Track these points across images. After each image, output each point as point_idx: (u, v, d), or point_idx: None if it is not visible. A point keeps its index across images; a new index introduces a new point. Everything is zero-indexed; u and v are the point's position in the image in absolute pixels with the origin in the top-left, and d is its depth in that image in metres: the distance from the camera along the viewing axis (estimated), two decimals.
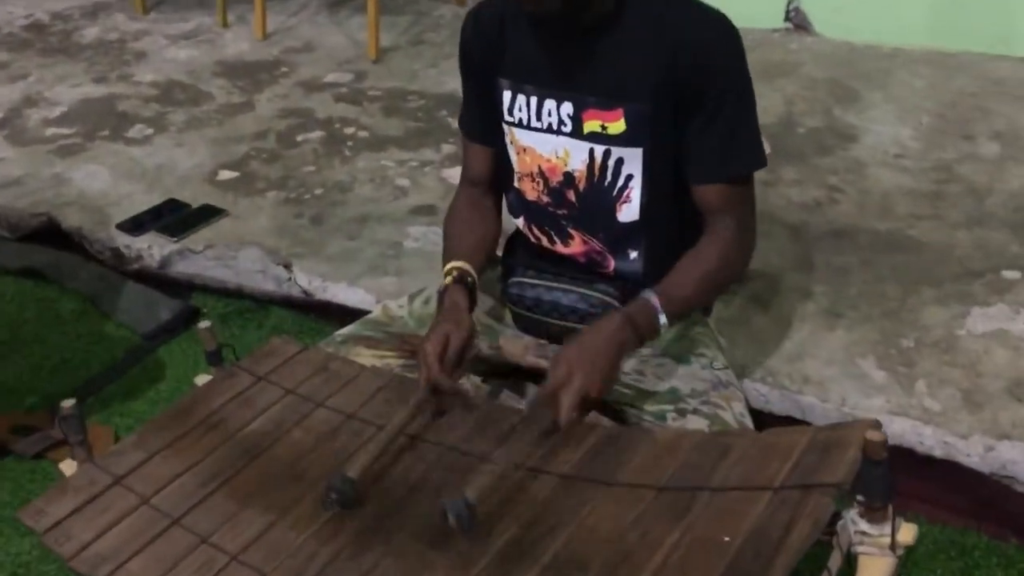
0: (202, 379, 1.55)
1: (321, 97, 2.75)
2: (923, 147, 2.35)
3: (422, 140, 2.50)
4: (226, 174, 2.35)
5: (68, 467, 1.38)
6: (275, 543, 1.21)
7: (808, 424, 1.64)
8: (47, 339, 1.99)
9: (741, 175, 1.35)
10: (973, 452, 1.48)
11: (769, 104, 2.46)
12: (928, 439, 1.52)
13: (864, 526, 1.02)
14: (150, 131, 2.57)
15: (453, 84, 2.81)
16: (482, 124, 1.50)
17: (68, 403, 1.35)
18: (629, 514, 1.12)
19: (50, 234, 2.23)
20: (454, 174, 2.33)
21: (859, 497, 1.01)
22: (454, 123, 2.59)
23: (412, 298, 1.59)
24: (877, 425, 1.04)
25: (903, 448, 1.52)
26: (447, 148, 2.45)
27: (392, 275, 1.96)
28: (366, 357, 1.52)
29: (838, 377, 1.62)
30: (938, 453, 1.51)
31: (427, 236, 2.09)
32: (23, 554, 1.50)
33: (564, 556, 1.09)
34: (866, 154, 2.33)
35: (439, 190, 2.27)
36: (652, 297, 1.30)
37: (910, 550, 1.21)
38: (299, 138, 2.52)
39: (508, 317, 1.55)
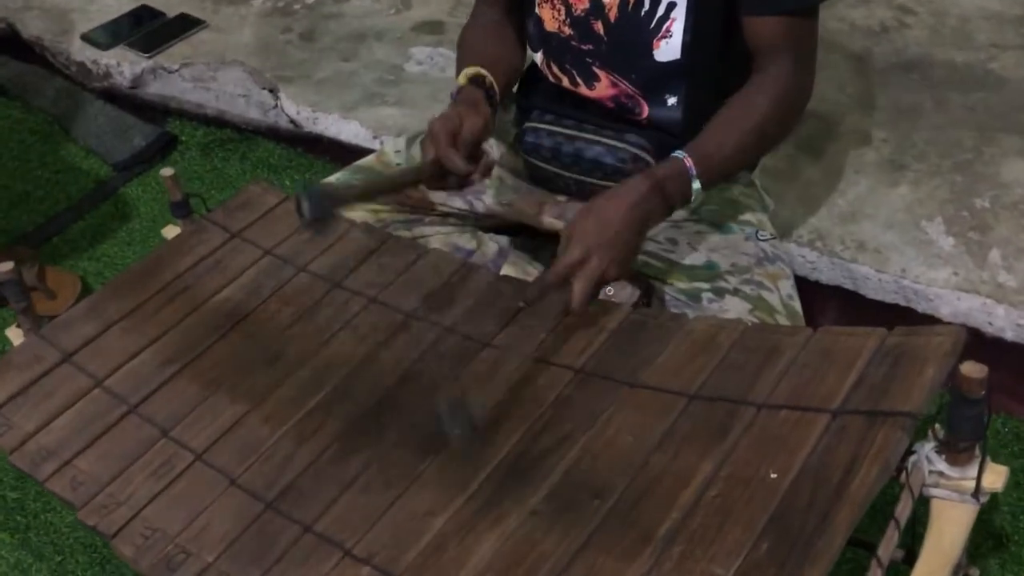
0: (171, 231, 1.36)
1: None
2: None
3: None
4: None
5: (15, 335, 1.22)
6: (247, 439, 1.05)
7: (858, 296, 1.45)
8: (7, 167, 1.79)
9: (805, 5, 1.09)
10: None
11: None
12: (999, 319, 1.33)
13: (943, 466, 0.85)
14: None
15: None
16: None
17: (5, 266, 1.16)
18: (655, 427, 0.95)
19: (10, 44, 1.97)
20: None
21: (939, 430, 0.84)
22: None
23: (410, 141, 1.36)
24: (960, 337, 0.86)
25: (968, 327, 1.33)
26: None
27: (392, 105, 1.72)
28: (357, 211, 1.32)
29: (898, 244, 1.42)
30: (1009, 336, 1.33)
31: (433, 59, 1.82)
32: None
33: (576, 477, 0.93)
34: None
35: (447, 3, 1.97)
36: (685, 158, 1.07)
37: None
38: None
39: (523, 168, 1.33)
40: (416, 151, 1.35)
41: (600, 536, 0.86)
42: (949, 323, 1.27)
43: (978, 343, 1.33)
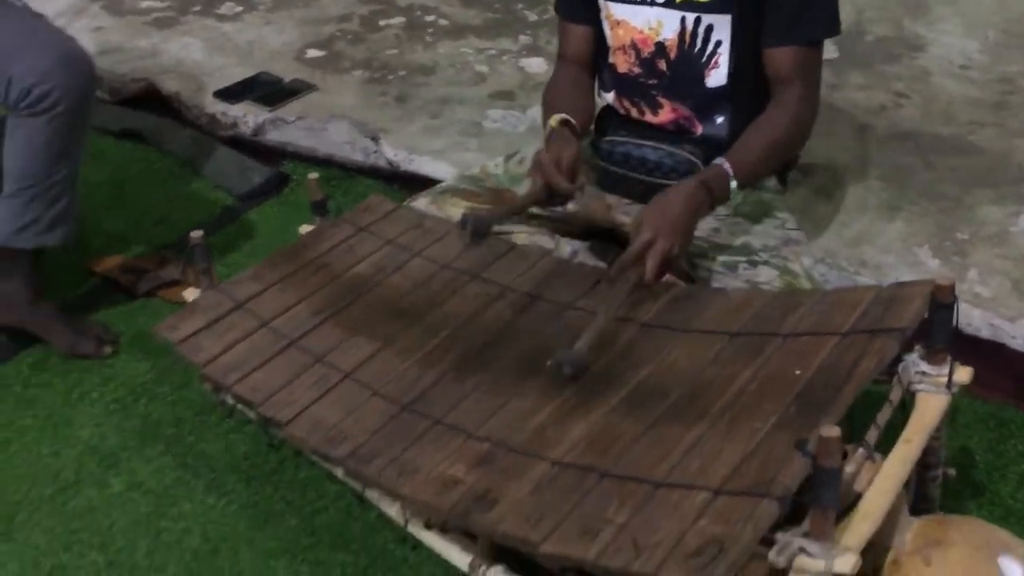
0: (305, 229, 1.69)
1: None
2: (989, 60, 2.40)
3: (500, 31, 2.58)
4: (313, 52, 2.46)
5: (190, 294, 1.54)
6: (383, 366, 1.35)
7: None
8: (148, 196, 2.13)
9: (813, 39, 1.45)
10: (1019, 335, 1.59)
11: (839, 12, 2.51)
12: (976, 320, 1.63)
13: (924, 367, 1.14)
14: (239, 8, 2.67)
15: None
16: (579, 3, 1.59)
17: (196, 233, 1.50)
18: (705, 355, 1.24)
19: (148, 100, 2.36)
20: (531, 63, 2.43)
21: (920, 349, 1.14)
22: (531, 16, 2.68)
23: (508, 158, 1.70)
24: (934, 285, 1.16)
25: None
26: (524, 39, 2.53)
27: (473, 151, 2.07)
28: (461, 207, 1.65)
29: (894, 263, 1.73)
30: (985, 334, 1.62)
31: (506, 119, 2.19)
32: (140, 376, 1.66)
33: (645, 387, 1.22)
34: (933, 64, 2.38)
35: (517, 78, 2.36)
36: (724, 163, 1.40)
37: (951, 418, 1.33)
38: (381, 23, 2.61)
39: (597, 179, 1.65)
40: (512, 164, 1.70)
41: (666, 417, 1.15)
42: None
43: (959, 340, 1.62)
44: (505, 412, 1.24)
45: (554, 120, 1.55)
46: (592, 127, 1.69)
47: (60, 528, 1.38)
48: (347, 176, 2.14)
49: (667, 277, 1.49)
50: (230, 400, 1.53)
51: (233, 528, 1.38)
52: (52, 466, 1.48)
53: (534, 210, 1.64)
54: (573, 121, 1.55)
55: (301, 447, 1.32)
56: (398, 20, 2.63)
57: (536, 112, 2.22)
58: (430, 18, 2.64)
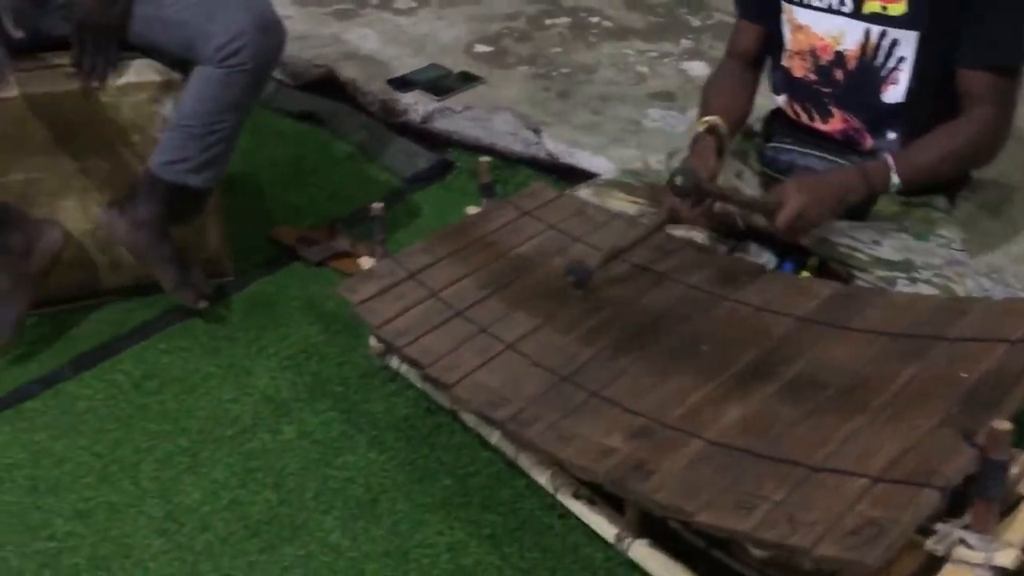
0: (472, 210, 1.77)
1: None
2: None
3: (662, 34, 2.62)
4: (481, 48, 2.56)
5: (365, 263, 1.65)
6: (543, 340, 1.42)
7: None
8: (322, 174, 2.27)
9: (1009, 64, 1.41)
10: None
11: None
12: None
13: None
14: (414, 3, 2.81)
15: None
16: (759, 3, 1.61)
17: (377, 205, 1.60)
18: (865, 352, 1.24)
19: (326, 85, 2.51)
20: (693, 67, 2.46)
21: None
22: (693, 21, 2.71)
23: (670, 156, 1.74)
24: None
25: None
26: (686, 43, 2.57)
27: (632, 148, 2.12)
28: (621, 200, 1.70)
29: None
30: None
31: (666, 119, 2.23)
32: (312, 336, 1.78)
33: (803, 378, 1.23)
34: None
35: (677, 80, 2.40)
36: (888, 156, 1.40)
37: None
38: (547, 22, 2.70)
39: (751, 180, 1.68)
40: (675, 163, 1.73)
41: (824, 407, 1.16)
42: None
43: None
44: (661, 390, 1.29)
45: (702, 124, 1.58)
46: (759, 128, 1.72)
47: (238, 466, 1.50)
48: (508, 165, 2.22)
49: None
50: (393, 365, 1.65)
51: (393, 481, 1.47)
52: (232, 411, 1.61)
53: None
54: (722, 126, 1.57)
55: (464, 408, 1.41)
56: (563, 20, 2.70)
57: (696, 113, 2.26)
58: (594, 19, 2.71)
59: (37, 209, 1.70)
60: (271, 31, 1.60)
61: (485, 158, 1.73)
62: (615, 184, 1.74)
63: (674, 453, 1.17)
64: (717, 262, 1.54)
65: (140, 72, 1.70)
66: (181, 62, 1.65)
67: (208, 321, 1.81)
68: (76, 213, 1.74)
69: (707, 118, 1.59)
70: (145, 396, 1.64)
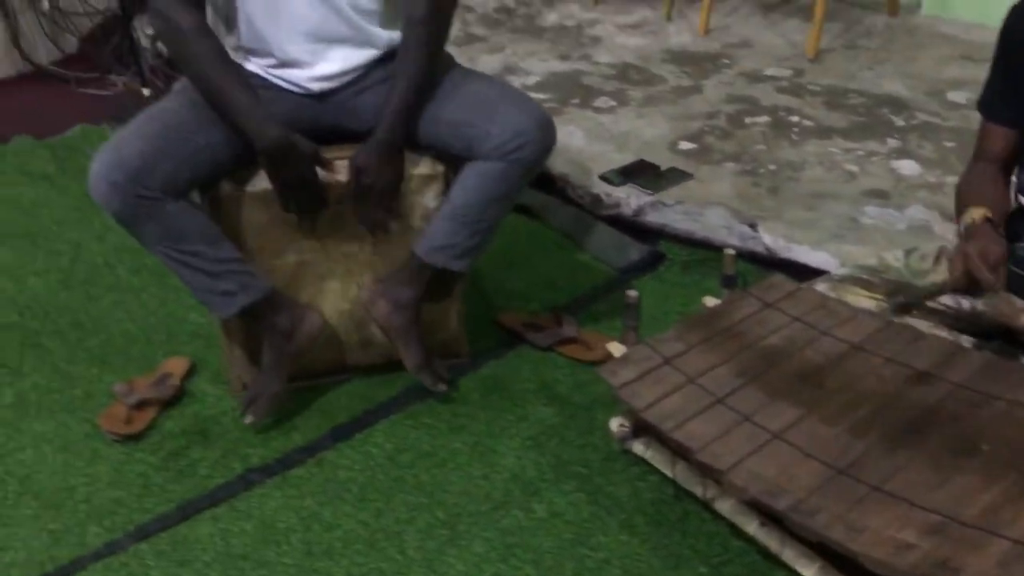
0: (709, 300, 1.81)
1: (763, 87, 2.98)
2: None
3: (866, 133, 2.65)
4: (685, 144, 2.64)
5: (616, 349, 1.70)
6: (810, 431, 1.43)
7: None
8: (537, 262, 2.36)
9: None
10: None
11: None
12: None
13: None
14: (613, 103, 2.93)
15: (891, 86, 2.94)
16: (1008, 107, 1.63)
17: (632, 293, 1.66)
18: None
19: (535, 179, 2.62)
20: (903, 165, 2.47)
21: None
22: (897, 121, 2.72)
23: (908, 253, 1.75)
24: None
25: None
26: (892, 142, 2.58)
27: (852, 244, 2.13)
28: (860, 296, 1.71)
29: None
30: None
31: (884, 216, 2.24)
32: (548, 418, 1.84)
33: None
34: None
35: (890, 179, 2.41)
36: None
37: None
38: (747, 120, 2.76)
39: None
40: (914, 260, 1.74)
41: None
42: None
43: None
44: (948, 487, 1.27)
45: (976, 214, 1.59)
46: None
47: (496, 541, 1.55)
48: (720, 258, 2.26)
49: None
50: (637, 450, 1.68)
51: (648, 565, 1.49)
52: (483, 487, 1.67)
53: (935, 304, 1.67)
54: (995, 216, 1.58)
55: (737, 496, 1.42)
56: (763, 119, 2.76)
57: (914, 212, 2.26)
58: (794, 118, 2.76)
59: (305, 290, 1.83)
60: (547, 129, 1.70)
61: (730, 251, 1.78)
62: (852, 279, 1.76)
63: (980, 552, 1.15)
64: (975, 359, 1.53)
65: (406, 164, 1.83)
66: (452, 157, 1.77)
67: (449, 400, 1.89)
68: (336, 295, 1.86)
69: (978, 209, 1.59)
70: (400, 468, 1.72)
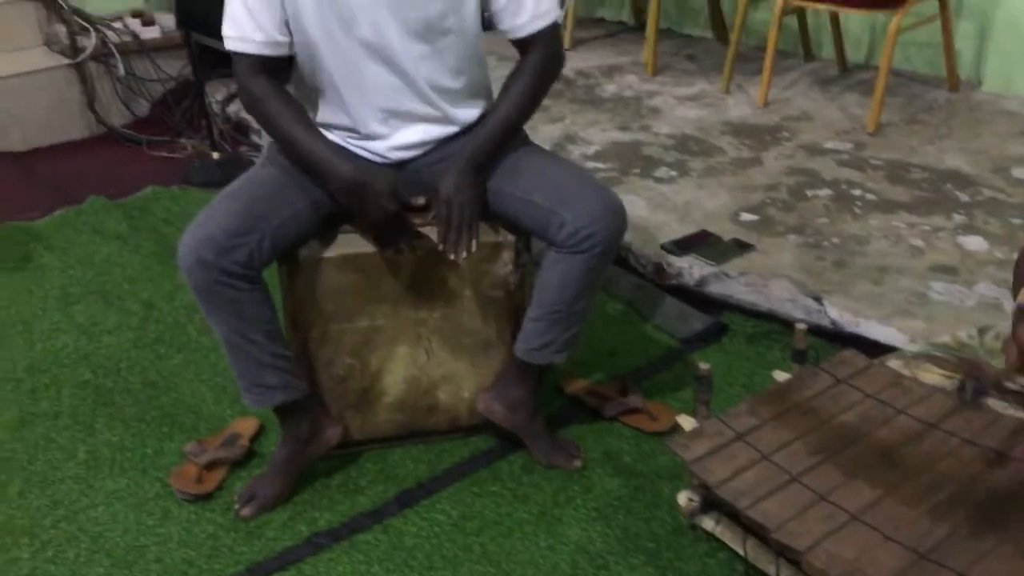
0: (779, 375, 1.80)
1: (824, 160, 2.98)
2: None
3: (931, 208, 2.63)
4: (747, 216, 2.65)
5: (686, 422, 1.69)
6: (889, 512, 1.41)
7: None
8: (599, 331, 2.37)
9: None
10: None
11: None
12: None
13: None
14: (674, 173, 2.95)
15: (954, 162, 2.93)
16: None
17: (705, 366, 1.66)
18: None
19: None
20: (970, 241, 2.45)
21: None
22: (962, 196, 2.71)
23: (982, 332, 1.74)
24: None
25: None
26: (958, 218, 2.57)
27: (921, 320, 2.11)
28: (933, 375, 1.69)
29: None
30: None
31: (951, 292, 2.22)
32: (614, 490, 1.82)
33: None
34: None
35: (956, 254, 2.39)
36: None
37: None
38: (809, 193, 2.76)
39: None
40: (988, 339, 1.72)
41: None
42: None
43: None
44: None
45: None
46: None
47: None
48: (787, 331, 2.25)
49: None
50: (706, 526, 1.65)
51: None
52: (550, 558, 1.66)
53: (1010, 383, 1.65)
54: None
55: None
56: (825, 192, 2.76)
57: (984, 289, 2.24)
58: (856, 192, 2.75)
59: (375, 353, 1.86)
60: (619, 214, 1.72)
61: (801, 325, 1.77)
62: (925, 357, 1.74)
63: None
64: None
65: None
66: (524, 232, 1.81)
67: (514, 467, 1.88)
68: (406, 359, 1.88)
69: None
70: (466, 536, 1.71)
